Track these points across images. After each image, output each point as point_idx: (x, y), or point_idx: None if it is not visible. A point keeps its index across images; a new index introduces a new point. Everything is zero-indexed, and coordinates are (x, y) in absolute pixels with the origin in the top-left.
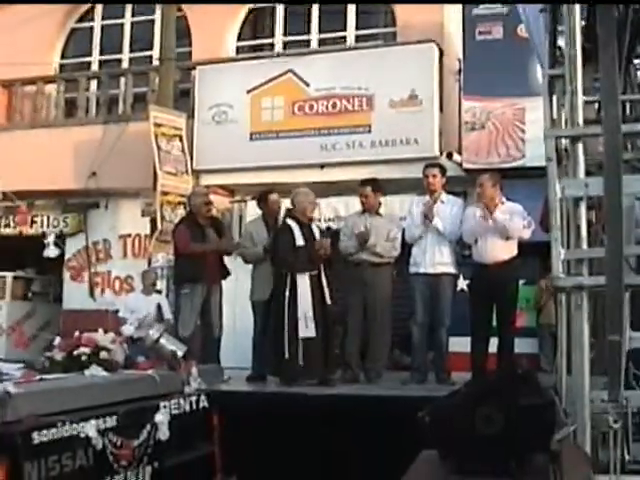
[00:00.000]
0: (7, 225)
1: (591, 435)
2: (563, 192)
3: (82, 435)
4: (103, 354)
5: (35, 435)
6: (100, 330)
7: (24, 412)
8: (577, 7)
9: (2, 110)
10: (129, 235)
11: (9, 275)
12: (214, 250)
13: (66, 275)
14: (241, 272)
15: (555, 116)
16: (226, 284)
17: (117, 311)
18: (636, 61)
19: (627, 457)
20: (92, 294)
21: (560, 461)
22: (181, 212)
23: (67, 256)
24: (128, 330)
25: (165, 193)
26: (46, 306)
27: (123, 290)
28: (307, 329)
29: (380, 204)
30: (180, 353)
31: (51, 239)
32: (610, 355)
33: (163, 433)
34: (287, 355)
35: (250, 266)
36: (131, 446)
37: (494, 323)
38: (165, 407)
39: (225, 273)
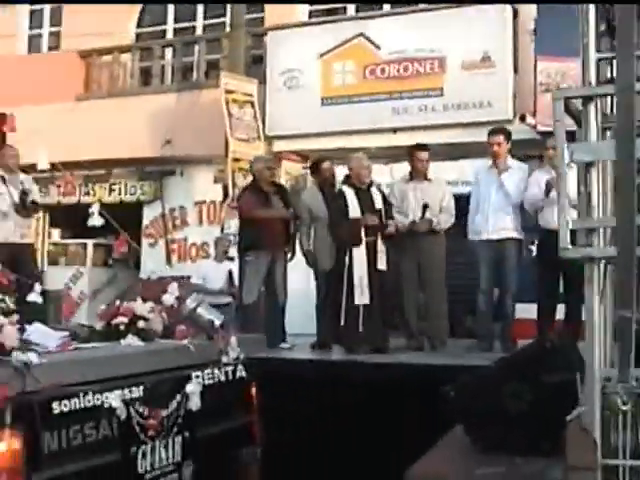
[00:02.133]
0: (87, 194)
1: (604, 417)
2: (572, 157)
3: (106, 405)
4: (140, 323)
5: (55, 405)
6: (139, 299)
7: (45, 382)
8: None
9: (80, 80)
10: (204, 202)
11: (90, 242)
12: (277, 217)
13: (144, 242)
14: None
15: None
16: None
17: (189, 277)
18: None
19: None
20: (169, 261)
21: (563, 444)
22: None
23: (145, 223)
24: (168, 299)
25: (237, 160)
26: (126, 273)
27: (199, 257)
28: (362, 296)
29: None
30: (218, 322)
31: (95, 209)
32: (620, 332)
33: (195, 403)
34: (343, 322)
35: None
36: (159, 416)
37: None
38: (198, 377)
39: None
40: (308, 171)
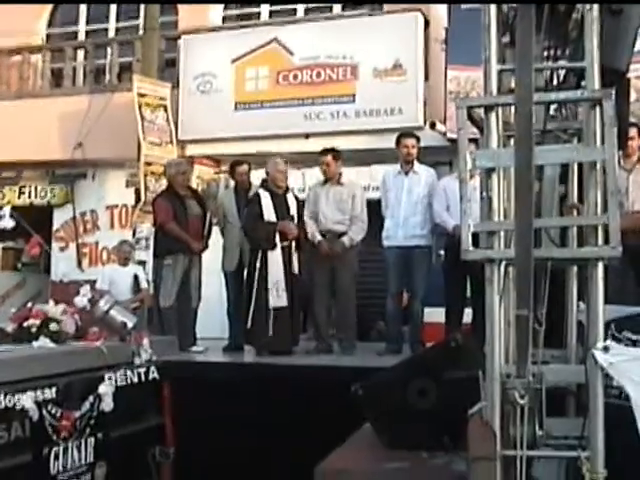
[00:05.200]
0: None
1: (504, 410)
2: (474, 163)
3: (18, 407)
4: (53, 326)
5: None
6: (51, 301)
7: None
8: None
9: None
10: (116, 206)
11: None
12: (188, 241)
13: (55, 246)
14: None
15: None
16: (214, 253)
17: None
18: None
19: (539, 432)
20: (80, 265)
21: (465, 436)
22: (165, 182)
23: (55, 227)
24: (81, 301)
25: (149, 163)
26: (36, 277)
27: (110, 261)
28: (279, 299)
29: (341, 174)
30: (130, 324)
31: (6, 211)
32: (517, 330)
33: (107, 404)
34: (253, 325)
35: None
36: (72, 417)
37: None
38: (110, 378)
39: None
40: (224, 174)
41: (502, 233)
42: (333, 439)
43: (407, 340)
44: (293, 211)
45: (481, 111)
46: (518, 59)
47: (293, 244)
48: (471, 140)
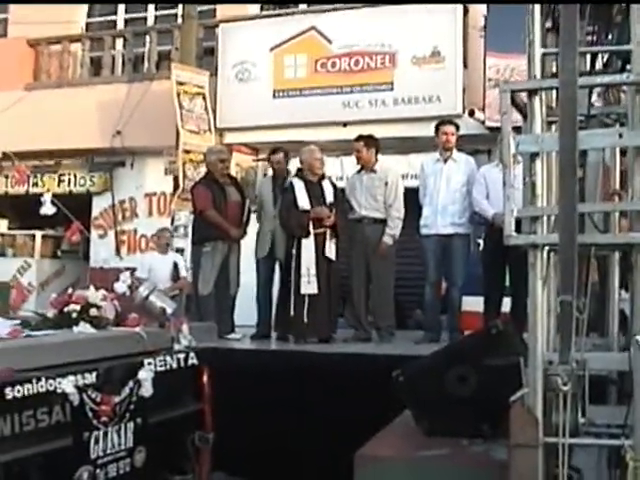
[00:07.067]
0: (35, 184)
1: (546, 397)
2: (517, 147)
3: (59, 391)
4: (93, 311)
5: (8, 390)
6: (91, 287)
7: None
8: None
9: (29, 69)
10: (154, 193)
11: (38, 233)
12: (227, 230)
13: (94, 233)
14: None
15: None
16: (252, 240)
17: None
18: None
19: (582, 420)
20: (119, 252)
21: (507, 423)
22: (204, 170)
23: (94, 214)
24: (121, 287)
25: (187, 151)
26: (75, 264)
27: (149, 248)
28: (309, 286)
29: (376, 161)
30: (170, 310)
31: (47, 197)
32: (561, 316)
33: (147, 390)
34: (292, 312)
35: None
36: (112, 402)
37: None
38: (150, 364)
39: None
40: (262, 162)
41: (545, 218)
42: (372, 426)
43: (445, 329)
44: (330, 198)
45: (524, 96)
46: (562, 42)
47: (328, 231)
48: (512, 128)
